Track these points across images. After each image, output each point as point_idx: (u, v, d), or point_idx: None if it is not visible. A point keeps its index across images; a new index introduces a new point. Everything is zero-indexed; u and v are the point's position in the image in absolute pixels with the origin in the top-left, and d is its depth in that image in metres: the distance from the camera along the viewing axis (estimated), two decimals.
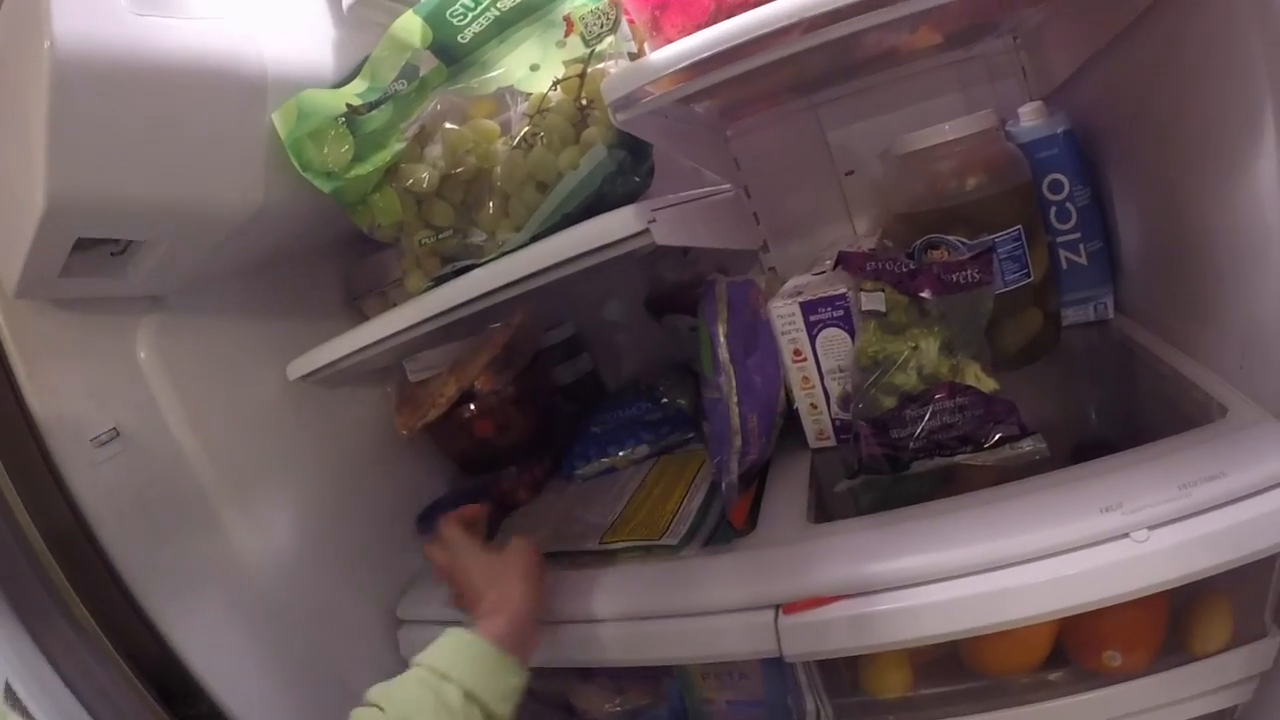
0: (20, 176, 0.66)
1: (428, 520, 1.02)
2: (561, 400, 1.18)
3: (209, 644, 0.83)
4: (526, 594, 0.73)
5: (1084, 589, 0.63)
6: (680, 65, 0.61)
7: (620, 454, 1.04)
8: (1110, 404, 0.92)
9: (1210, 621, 0.72)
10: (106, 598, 0.81)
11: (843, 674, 0.79)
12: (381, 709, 0.61)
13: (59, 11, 0.59)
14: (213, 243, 0.81)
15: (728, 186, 1.02)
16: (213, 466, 0.88)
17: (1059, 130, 0.94)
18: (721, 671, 0.85)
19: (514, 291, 0.74)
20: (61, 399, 0.80)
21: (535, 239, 0.71)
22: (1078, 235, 0.96)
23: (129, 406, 0.84)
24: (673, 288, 1.12)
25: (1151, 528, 0.62)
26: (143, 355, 0.86)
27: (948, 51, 1.06)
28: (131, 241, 0.77)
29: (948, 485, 0.76)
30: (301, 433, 0.98)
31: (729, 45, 0.59)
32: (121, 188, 0.68)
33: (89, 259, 0.76)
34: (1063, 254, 0.97)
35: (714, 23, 0.62)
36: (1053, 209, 0.96)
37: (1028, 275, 0.90)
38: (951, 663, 0.79)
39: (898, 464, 0.77)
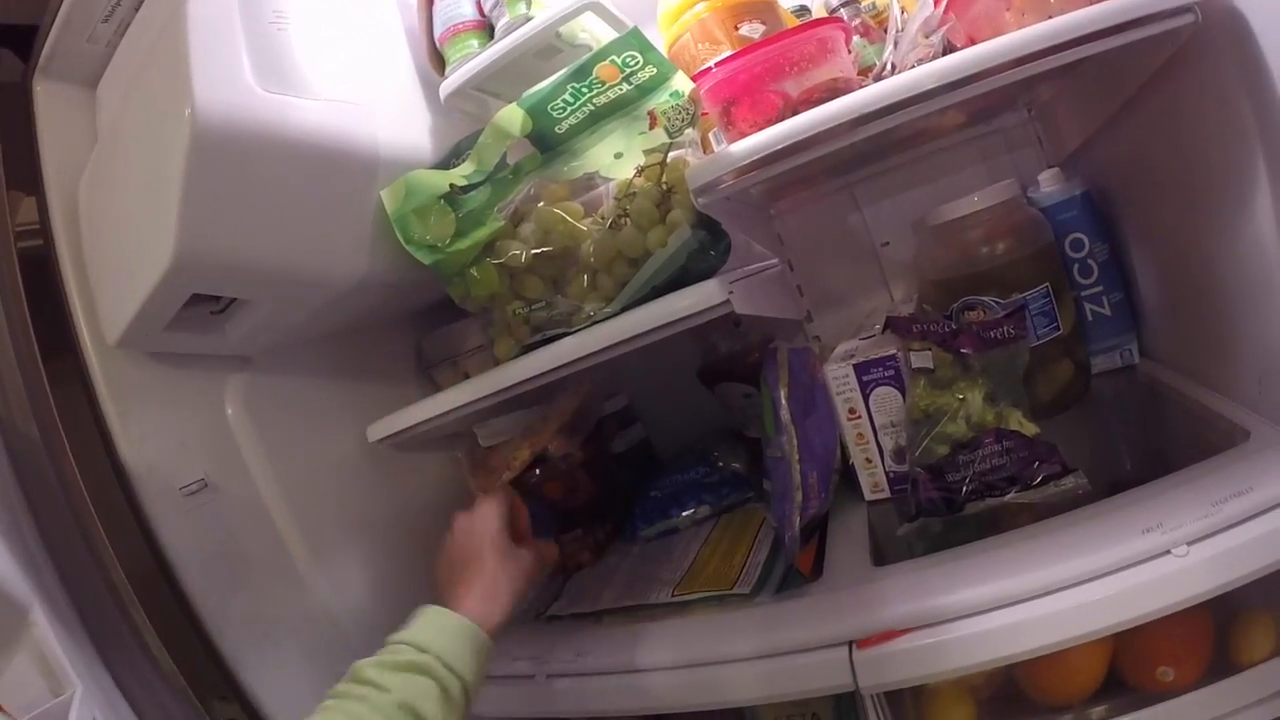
0: (147, 230, 0.75)
1: None
2: (617, 467, 1.28)
3: (284, 692, 0.89)
4: (517, 587, 0.79)
5: (1134, 604, 0.70)
6: (757, 156, 0.74)
7: (683, 515, 1.14)
8: (1141, 440, 1.00)
9: (1253, 633, 0.80)
10: (187, 644, 0.86)
11: (909, 711, 0.86)
12: (384, 689, 0.63)
13: (199, 82, 0.70)
14: (313, 308, 0.91)
15: (775, 261, 1.15)
16: (294, 521, 0.96)
17: (1076, 193, 1.06)
18: (795, 714, 0.93)
19: (604, 358, 0.85)
20: (152, 448, 0.88)
21: (625, 309, 0.82)
22: (1100, 288, 1.08)
23: (216, 459, 0.92)
24: (725, 357, 1.22)
25: (1190, 543, 0.70)
26: (230, 411, 0.95)
27: (970, 128, 1.20)
28: (233, 301, 0.86)
29: (997, 525, 0.84)
30: (376, 492, 1.07)
31: (800, 139, 0.72)
32: (242, 249, 0.78)
33: (191, 316, 0.85)
34: (1088, 307, 1.09)
35: (782, 118, 0.75)
36: (1075, 266, 1.08)
37: (1057, 329, 1.02)
38: (1012, 694, 0.86)
39: (953, 506, 0.87)
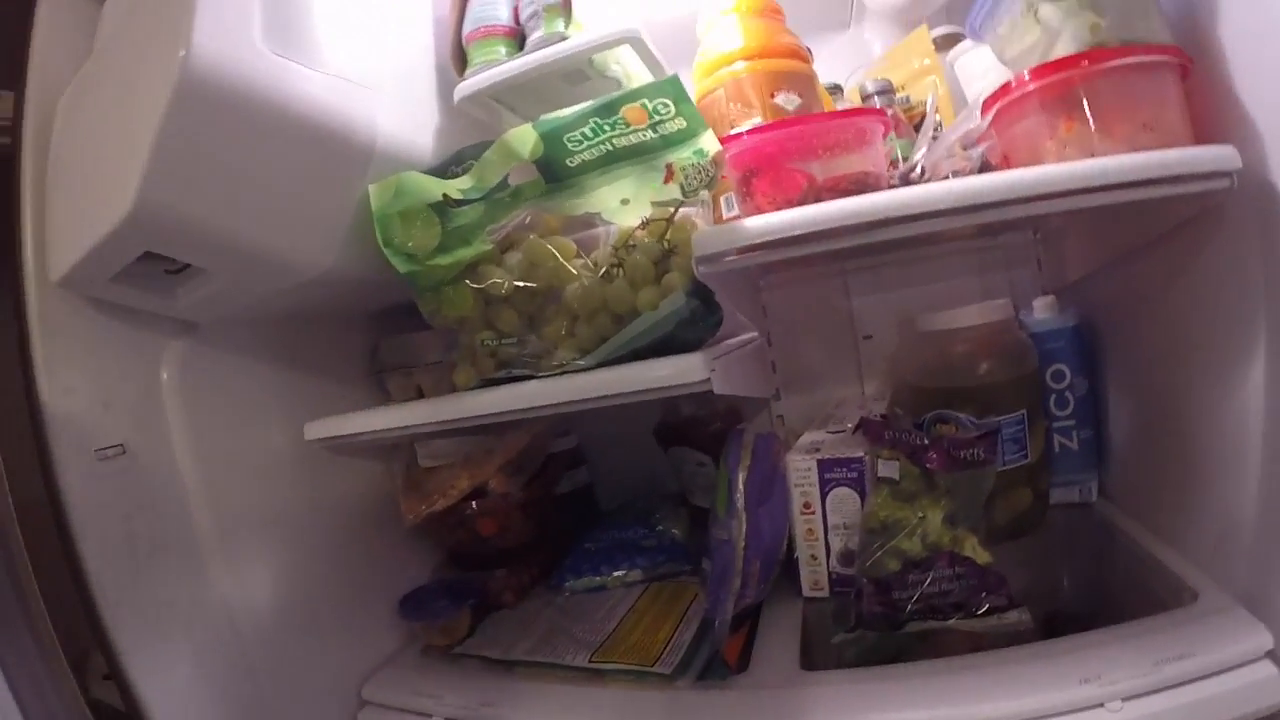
0: (112, 172, 0.70)
1: (410, 605, 1.07)
2: (556, 509, 1.25)
3: (166, 685, 0.84)
4: None
5: None
6: (774, 237, 0.72)
7: (613, 574, 1.11)
8: (1089, 582, 1.02)
9: None
10: (72, 616, 0.82)
11: None
12: None
13: (200, 26, 0.65)
14: (270, 290, 0.87)
15: (755, 335, 1.13)
16: (208, 506, 0.91)
17: (1069, 325, 1.08)
18: None
19: (565, 410, 0.81)
20: (75, 401, 0.83)
21: (600, 365, 0.80)
22: (1073, 422, 1.09)
23: (139, 427, 0.87)
24: (686, 420, 1.21)
25: (1125, 699, 0.72)
26: (165, 377, 0.90)
27: (975, 240, 1.21)
28: (189, 266, 0.81)
29: (933, 647, 0.84)
30: (300, 493, 1.03)
31: (819, 229, 0.70)
32: (206, 216, 0.73)
33: (143, 271, 0.79)
34: (1057, 439, 1.09)
35: (804, 200, 0.73)
36: (1053, 396, 1.08)
37: (1025, 456, 1.02)
38: None
39: (895, 623, 0.86)
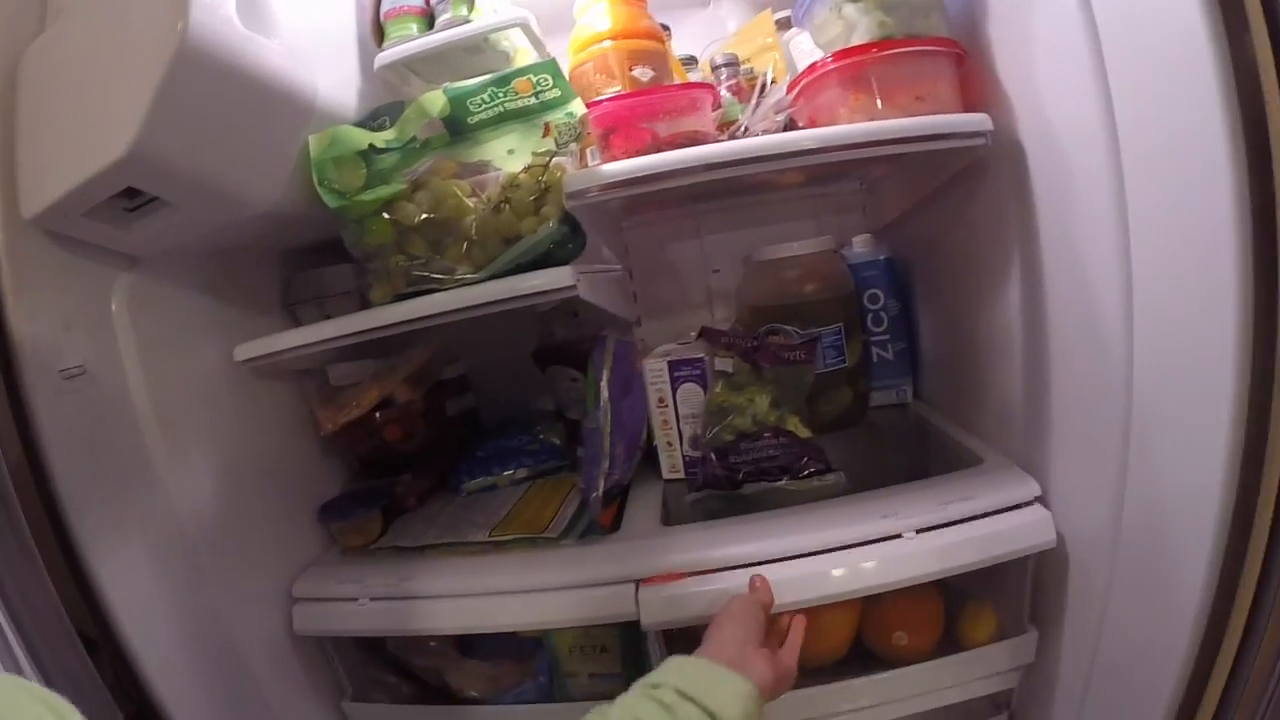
0: (101, 120, 0.87)
1: (328, 511, 1.33)
2: (449, 427, 1.53)
3: (126, 580, 0.99)
4: (735, 635, 0.88)
5: (869, 573, 0.97)
6: (623, 178, 1.02)
7: (504, 473, 1.40)
8: (899, 458, 1.33)
9: (978, 619, 1.08)
10: (41, 520, 0.93)
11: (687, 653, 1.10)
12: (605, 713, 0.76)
13: (195, 3, 0.84)
14: (220, 222, 1.06)
15: (619, 266, 1.44)
16: (157, 422, 1.08)
17: (880, 257, 1.44)
18: (586, 645, 1.18)
19: (466, 315, 1.07)
20: (40, 325, 0.96)
21: (492, 278, 1.07)
22: (887, 337, 1.45)
23: (96, 350, 1.02)
24: (560, 342, 1.50)
25: (918, 531, 0.97)
26: (115, 307, 1.06)
27: (809, 187, 1.55)
28: (148, 203, 0.97)
29: (767, 506, 1.12)
30: (231, 410, 1.23)
31: (657, 171, 1.01)
32: (185, 157, 0.91)
33: (108, 208, 0.95)
34: (875, 350, 1.45)
35: (649, 151, 1.04)
36: (870, 315, 1.44)
37: (843, 361, 1.37)
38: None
39: (733, 483, 1.19)
